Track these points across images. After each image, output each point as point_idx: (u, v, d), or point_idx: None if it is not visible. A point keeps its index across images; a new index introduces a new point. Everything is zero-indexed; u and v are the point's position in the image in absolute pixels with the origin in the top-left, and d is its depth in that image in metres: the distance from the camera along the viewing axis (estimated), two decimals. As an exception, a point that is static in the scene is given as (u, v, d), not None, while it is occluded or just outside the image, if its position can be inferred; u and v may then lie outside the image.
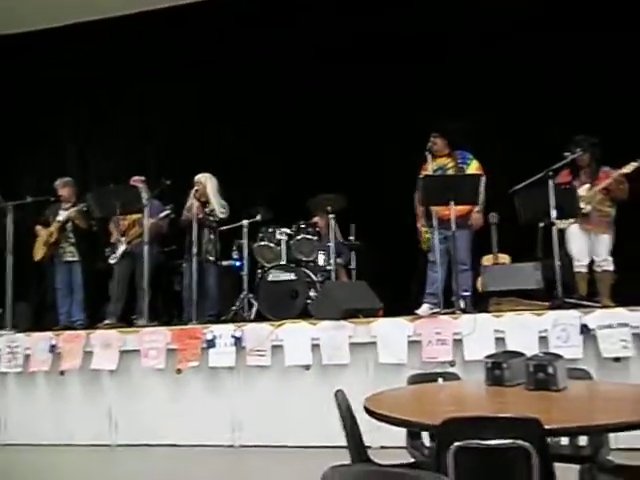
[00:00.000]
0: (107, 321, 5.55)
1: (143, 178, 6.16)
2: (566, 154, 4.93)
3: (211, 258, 5.82)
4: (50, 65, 7.44)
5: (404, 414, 1.91)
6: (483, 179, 4.69)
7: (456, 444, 1.60)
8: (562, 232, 5.02)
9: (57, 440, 4.86)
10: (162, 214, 5.81)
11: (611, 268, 4.96)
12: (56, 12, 7.17)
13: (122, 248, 5.81)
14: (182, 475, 3.90)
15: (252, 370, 4.58)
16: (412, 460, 2.48)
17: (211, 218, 5.80)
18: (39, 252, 6.11)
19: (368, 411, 2.01)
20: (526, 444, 1.56)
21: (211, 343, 4.62)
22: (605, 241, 4.95)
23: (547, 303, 4.41)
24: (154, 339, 4.75)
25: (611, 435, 2.43)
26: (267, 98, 7.07)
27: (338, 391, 2.28)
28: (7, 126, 7.61)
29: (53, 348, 4.95)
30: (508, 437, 1.58)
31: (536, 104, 6.17)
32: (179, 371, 4.65)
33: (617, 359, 3.93)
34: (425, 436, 2.57)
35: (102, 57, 7.38)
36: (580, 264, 4.97)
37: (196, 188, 5.78)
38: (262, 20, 6.97)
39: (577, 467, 2.15)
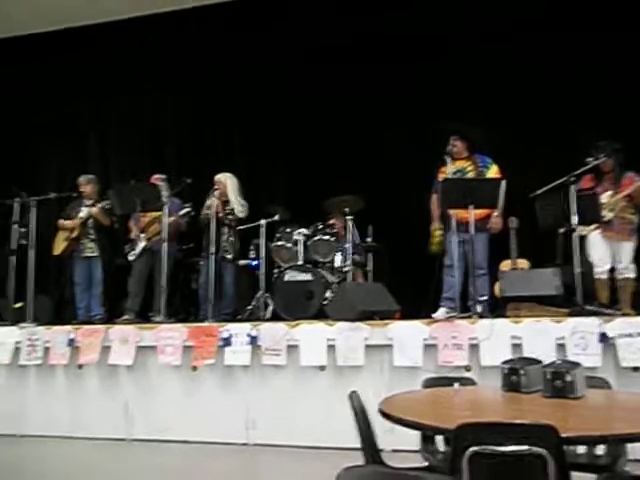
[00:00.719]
0: (125, 317, 5.62)
1: (164, 176, 6.23)
2: (589, 160, 4.87)
3: (229, 257, 5.86)
4: (72, 63, 7.57)
5: (419, 417, 1.91)
6: (503, 183, 4.65)
7: (471, 449, 1.60)
8: (583, 238, 4.97)
9: (74, 433, 4.93)
10: (182, 212, 5.87)
11: (633, 275, 4.90)
12: (87, 10, 7.30)
13: (141, 245, 5.88)
14: (195, 471, 3.93)
15: (267, 369, 4.60)
16: (426, 464, 2.47)
17: (230, 217, 5.85)
18: (60, 247, 6.21)
19: (383, 413, 2.01)
20: (542, 451, 1.55)
21: (227, 341, 4.65)
22: (627, 248, 4.88)
23: (566, 310, 4.35)
24: (171, 336, 4.79)
25: (628, 445, 2.40)
26: (289, 99, 7.10)
27: (353, 392, 2.28)
28: (31, 124, 7.75)
29: (72, 342, 5.02)
30: (524, 444, 1.57)
31: (559, 108, 6.11)
32: (195, 368, 4.68)
33: (636, 369, 3.87)
34: (439, 440, 2.56)
35: (123, 55, 7.48)
36: (601, 270, 4.91)
37: (216, 187, 5.83)
38: (273, 20, 7.02)
39: (593, 476, 2.12)
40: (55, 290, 7.16)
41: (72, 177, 6.48)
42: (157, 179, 6.10)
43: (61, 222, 6.23)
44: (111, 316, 5.91)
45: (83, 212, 6.18)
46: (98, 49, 7.48)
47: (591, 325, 3.98)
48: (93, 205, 6.17)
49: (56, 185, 7.01)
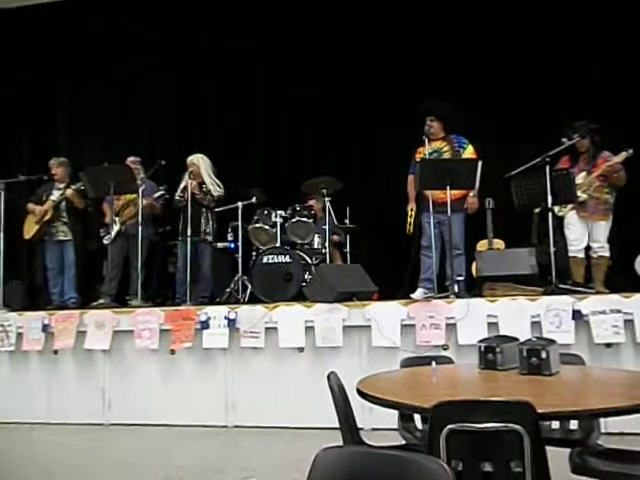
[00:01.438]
0: (101, 301, 5.54)
1: (138, 159, 6.11)
2: (563, 140, 4.90)
3: (207, 239, 5.81)
4: (42, 44, 7.34)
5: (397, 397, 1.92)
6: (479, 164, 4.67)
7: (449, 427, 1.61)
8: (559, 219, 5.03)
9: (50, 419, 4.87)
10: (156, 194, 5.78)
11: (607, 254, 4.98)
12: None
13: (116, 228, 5.78)
14: (175, 454, 3.92)
15: (246, 352, 4.59)
16: (404, 442, 2.49)
17: (208, 197, 5.77)
18: (31, 231, 6.06)
19: (361, 393, 2.01)
20: (518, 427, 1.57)
21: (205, 324, 4.62)
22: (602, 228, 4.95)
23: (541, 289, 4.42)
24: (148, 319, 4.74)
25: (601, 420, 2.45)
26: (265, 80, 7.01)
27: (331, 373, 2.28)
28: (0, 105, 7.51)
29: (46, 327, 4.93)
30: (501, 420, 1.58)
31: (537, 88, 6.14)
32: (173, 352, 4.65)
33: (608, 345, 3.96)
34: (417, 419, 2.58)
35: (96, 35, 7.27)
36: (576, 249, 4.98)
37: (191, 169, 5.74)
38: (247, 3, 6.88)
39: (567, 450, 2.16)
40: (27, 275, 7.01)
41: (43, 160, 6.30)
42: (131, 161, 5.98)
43: (32, 205, 6.08)
44: (86, 300, 5.82)
45: (55, 195, 6.03)
46: (70, 29, 7.25)
47: (565, 303, 4.06)
48: (66, 188, 6.02)
49: (26, 168, 6.82)
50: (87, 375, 4.92)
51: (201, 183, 5.79)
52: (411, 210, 5.18)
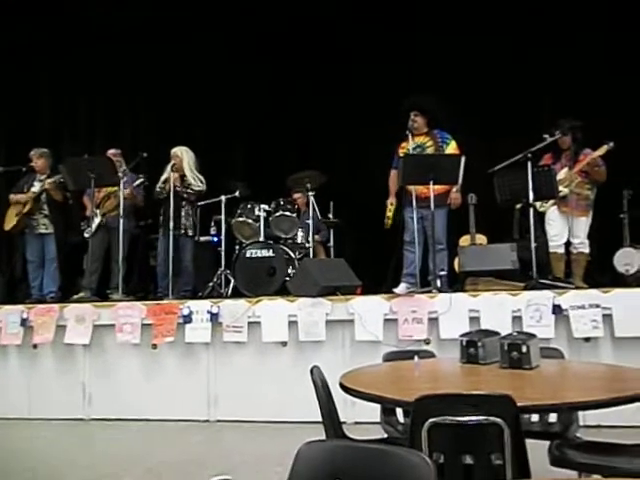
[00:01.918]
0: (81, 294, 5.47)
1: (119, 151, 6.03)
2: (545, 136, 4.95)
3: (189, 233, 5.76)
4: (23, 31, 7.18)
5: (380, 391, 1.93)
6: (463, 159, 4.70)
7: (430, 420, 1.62)
8: (541, 214, 5.08)
9: (30, 414, 4.81)
10: (136, 182, 5.70)
11: (587, 250, 5.05)
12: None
13: (97, 221, 5.71)
14: (156, 449, 3.91)
15: (228, 346, 4.57)
16: (386, 436, 2.51)
17: (189, 191, 5.72)
18: (10, 222, 5.96)
19: (344, 387, 2.02)
20: (499, 420, 1.58)
21: (187, 318, 4.60)
22: (582, 223, 5.02)
23: (522, 284, 4.47)
24: (129, 314, 4.70)
25: (580, 412, 2.49)
26: (249, 74, 6.96)
27: (314, 367, 2.28)
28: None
29: (25, 321, 4.86)
30: (481, 414, 1.60)
31: (521, 85, 6.19)
32: (154, 346, 4.62)
33: (587, 339, 4.02)
34: (399, 412, 2.60)
35: (79, 24, 7.14)
36: (557, 245, 5.04)
37: (173, 162, 5.69)
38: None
39: (546, 443, 2.20)
40: (6, 268, 6.90)
41: (22, 151, 6.18)
42: (112, 154, 5.90)
43: (12, 197, 5.97)
44: (66, 294, 5.74)
45: (36, 187, 5.93)
46: (53, 16, 7.11)
47: (545, 298, 4.11)
48: (46, 180, 5.93)
49: (4, 158, 6.69)
50: (67, 370, 4.86)
51: (183, 176, 5.74)
52: (390, 204, 5.19)
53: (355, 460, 1.17)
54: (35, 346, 4.84)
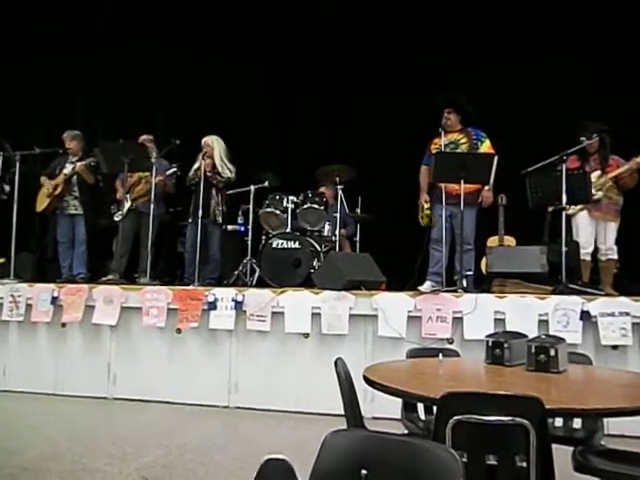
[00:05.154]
0: (110, 277, 5.58)
1: (151, 137, 6.12)
2: (582, 139, 4.86)
3: (218, 221, 5.82)
4: (59, 20, 7.31)
5: (404, 385, 1.92)
6: (496, 159, 4.64)
7: (455, 418, 1.62)
8: (569, 218, 5.00)
9: (55, 390, 4.94)
10: (169, 172, 5.78)
11: (615, 257, 4.96)
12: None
13: (127, 205, 5.80)
14: (177, 431, 3.97)
15: (251, 334, 4.62)
16: (406, 432, 2.51)
17: (218, 178, 5.77)
18: (43, 203, 6.09)
19: (368, 381, 2.02)
20: (526, 422, 1.57)
21: (212, 305, 4.65)
22: (612, 229, 4.94)
23: (550, 288, 4.40)
24: (156, 297, 4.77)
25: (605, 420, 2.45)
26: (284, 66, 6.98)
27: (338, 359, 2.29)
28: (17, 77, 7.51)
29: (55, 300, 4.98)
30: (508, 414, 1.59)
31: (551, 87, 6.09)
32: (179, 331, 4.69)
33: (615, 347, 3.95)
34: (420, 409, 2.60)
35: (112, 10, 7.25)
36: (585, 251, 4.96)
37: (205, 150, 5.74)
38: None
39: (569, 449, 2.17)
40: (37, 247, 7.06)
41: (58, 133, 6.31)
42: (145, 139, 5.99)
43: (44, 178, 6.10)
44: (94, 276, 5.86)
45: (67, 168, 6.05)
46: (87, 5, 7.23)
47: (574, 303, 4.04)
48: (78, 162, 6.04)
49: (41, 140, 6.84)
50: (94, 349, 4.97)
51: (213, 164, 5.79)
52: (425, 202, 5.16)
53: (382, 452, 1.18)
54: (64, 325, 4.95)
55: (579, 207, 4.97)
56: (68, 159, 6.12)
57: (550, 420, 2.41)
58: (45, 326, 5.07)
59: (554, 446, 1.84)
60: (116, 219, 5.81)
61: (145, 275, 5.46)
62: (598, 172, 4.94)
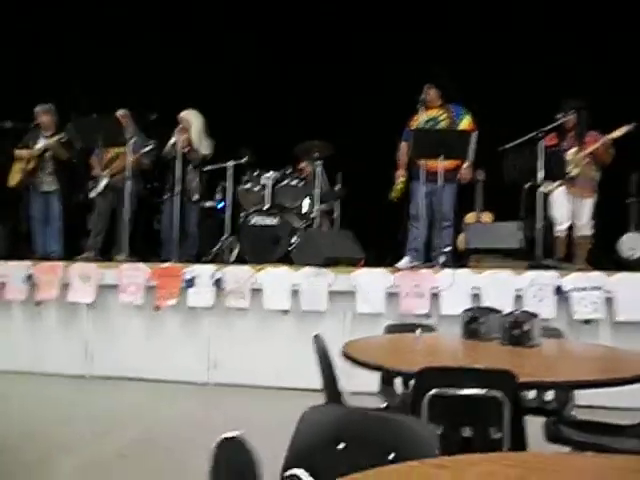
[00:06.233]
0: (86, 254, 5.50)
1: (127, 112, 5.97)
2: (558, 116, 4.89)
3: (194, 198, 5.75)
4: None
5: (382, 361, 1.95)
6: (475, 135, 4.65)
7: (432, 392, 1.64)
8: (547, 195, 5.05)
9: (32, 368, 4.88)
10: (145, 149, 5.67)
11: (590, 233, 5.04)
12: None
13: (104, 181, 5.69)
14: (155, 409, 3.98)
15: (230, 311, 4.61)
16: (384, 405, 2.55)
17: (195, 155, 5.69)
18: (15, 178, 5.94)
19: (347, 356, 2.04)
20: (499, 395, 1.61)
21: (190, 282, 4.63)
22: (588, 205, 5.00)
23: (525, 263, 4.47)
24: (133, 275, 4.73)
25: (576, 392, 2.52)
26: (261, 41, 6.85)
27: (316, 335, 2.30)
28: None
29: (29, 278, 4.90)
30: (482, 387, 1.62)
31: (531, 64, 6.09)
32: (157, 308, 4.66)
33: (587, 321, 4.04)
34: (398, 383, 2.64)
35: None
36: (561, 227, 5.03)
37: (182, 125, 5.64)
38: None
39: (542, 420, 2.23)
40: (10, 223, 6.90)
41: (30, 106, 6.12)
42: (121, 115, 5.84)
43: (17, 152, 5.94)
44: (69, 254, 5.77)
45: (40, 143, 5.89)
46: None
47: (548, 278, 4.12)
48: (51, 137, 5.89)
49: (11, 114, 6.63)
50: (70, 327, 4.92)
51: (190, 140, 5.70)
52: (402, 177, 5.16)
53: (359, 425, 1.19)
54: (39, 303, 4.89)
55: (556, 184, 5.01)
56: (41, 134, 5.96)
57: (524, 392, 2.48)
58: (20, 305, 5.00)
59: (527, 417, 1.89)
60: (92, 195, 5.71)
61: (122, 252, 5.38)
62: (575, 149, 4.98)
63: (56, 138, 5.80)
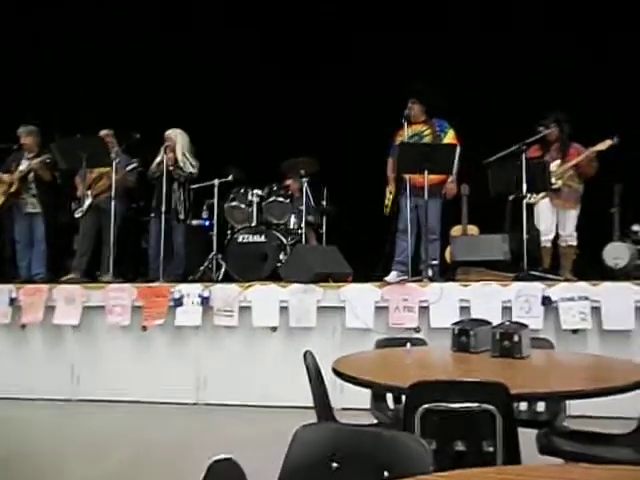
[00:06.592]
0: (71, 275, 5.44)
1: (111, 131, 5.96)
2: (540, 129, 4.97)
3: (180, 216, 5.72)
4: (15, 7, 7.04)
5: (373, 376, 1.94)
6: (458, 149, 4.70)
7: (424, 406, 1.63)
8: (531, 207, 5.11)
9: (17, 393, 4.78)
10: (129, 167, 5.65)
11: (575, 243, 5.10)
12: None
13: (88, 202, 5.65)
14: (144, 430, 3.91)
15: (219, 330, 4.58)
16: (375, 421, 2.53)
17: (180, 173, 5.67)
18: (-2, 201, 5.88)
19: (337, 373, 2.03)
20: (492, 408, 1.60)
21: (178, 302, 4.59)
22: (572, 216, 5.07)
23: (512, 275, 4.50)
24: (120, 296, 4.68)
25: (567, 402, 2.52)
26: (246, 58, 6.90)
27: (307, 352, 2.29)
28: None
29: (13, 301, 4.83)
30: (474, 401, 1.62)
31: (514, 77, 6.19)
32: (144, 328, 4.61)
33: (575, 331, 4.06)
34: (389, 399, 2.62)
35: (70, 2, 7.02)
36: (546, 238, 5.09)
37: (167, 144, 5.63)
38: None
39: (534, 432, 2.22)
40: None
41: (13, 128, 6.08)
42: (105, 134, 5.83)
43: (0, 174, 5.88)
44: (54, 275, 5.69)
45: (23, 165, 5.85)
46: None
47: (535, 289, 4.14)
48: (34, 158, 5.84)
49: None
50: (56, 350, 4.84)
51: (175, 158, 5.69)
52: (390, 193, 5.19)
53: (352, 443, 1.18)
54: (23, 326, 4.81)
55: (540, 195, 5.08)
56: (24, 155, 5.92)
57: (515, 404, 2.47)
58: (4, 328, 4.91)
59: (519, 430, 1.88)
60: (77, 216, 5.66)
61: (108, 273, 5.33)
62: (558, 161, 5.06)
63: (39, 159, 5.76)
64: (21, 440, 3.69)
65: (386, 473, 1.09)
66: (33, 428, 4.03)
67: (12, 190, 5.80)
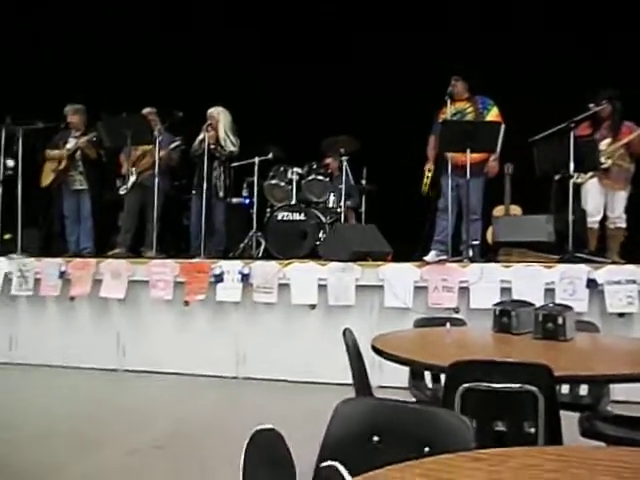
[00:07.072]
0: (116, 250, 5.60)
1: (154, 109, 6.04)
2: (590, 105, 4.78)
3: (220, 194, 5.79)
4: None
5: (412, 354, 1.94)
6: (502, 127, 4.58)
7: (464, 385, 1.63)
8: (578, 186, 4.95)
9: (65, 362, 4.99)
10: (172, 145, 5.73)
11: (624, 225, 4.93)
12: None
13: (132, 179, 5.77)
14: (185, 402, 4.03)
15: (258, 306, 4.65)
16: (414, 400, 2.54)
17: (222, 151, 5.73)
18: (47, 178, 6.07)
19: (376, 350, 2.04)
20: (534, 389, 1.58)
21: (219, 278, 4.67)
22: (622, 197, 4.89)
23: (556, 256, 4.39)
24: (162, 271, 4.80)
25: (611, 386, 2.47)
26: (288, 36, 6.85)
27: (346, 329, 2.30)
28: (20, 50, 7.41)
29: (63, 274, 5.01)
30: (517, 382, 1.60)
31: (561, 54, 5.96)
32: (186, 303, 4.72)
33: (621, 314, 3.96)
34: (427, 377, 2.62)
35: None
36: (593, 220, 4.93)
37: (209, 122, 5.68)
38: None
39: (575, 415, 2.19)
40: (44, 223, 7.06)
41: (61, 106, 6.24)
42: (147, 112, 5.92)
43: (48, 152, 6.07)
44: (101, 250, 5.88)
45: (71, 143, 6.01)
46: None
47: (580, 271, 4.04)
48: (81, 136, 5.99)
49: (44, 114, 6.78)
50: (102, 322, 5.02)
51: (217, 137, 5.74)
52: (428, 170, 5.12)
53: (394, 418, 1.19)
54: (72, 298, 5.00)
55: (589, 175, 4.91)
56: (71, 133, 6.08)
57: (557, 387, 2.44)
58: (54, 300, 5.12)
59: (561, 412, 1.86)
60: (121, 193, 5.80)
61: (151, 249, 5.46)
62: (609, 139, 4.87)
63: (86, 138, 5.91)
64: (67, 408, 3.86)
65: (427, 449, 1.10)
66: (79, 397, 4.21)
67: (61, 168, 5.98)
